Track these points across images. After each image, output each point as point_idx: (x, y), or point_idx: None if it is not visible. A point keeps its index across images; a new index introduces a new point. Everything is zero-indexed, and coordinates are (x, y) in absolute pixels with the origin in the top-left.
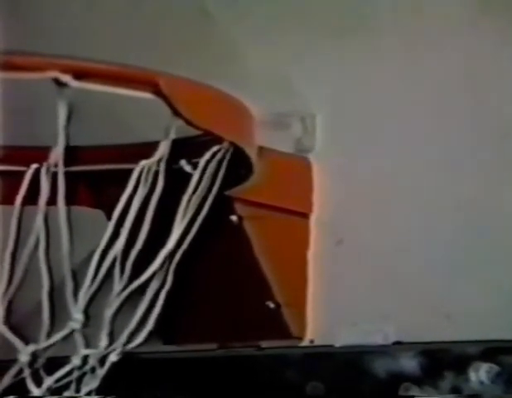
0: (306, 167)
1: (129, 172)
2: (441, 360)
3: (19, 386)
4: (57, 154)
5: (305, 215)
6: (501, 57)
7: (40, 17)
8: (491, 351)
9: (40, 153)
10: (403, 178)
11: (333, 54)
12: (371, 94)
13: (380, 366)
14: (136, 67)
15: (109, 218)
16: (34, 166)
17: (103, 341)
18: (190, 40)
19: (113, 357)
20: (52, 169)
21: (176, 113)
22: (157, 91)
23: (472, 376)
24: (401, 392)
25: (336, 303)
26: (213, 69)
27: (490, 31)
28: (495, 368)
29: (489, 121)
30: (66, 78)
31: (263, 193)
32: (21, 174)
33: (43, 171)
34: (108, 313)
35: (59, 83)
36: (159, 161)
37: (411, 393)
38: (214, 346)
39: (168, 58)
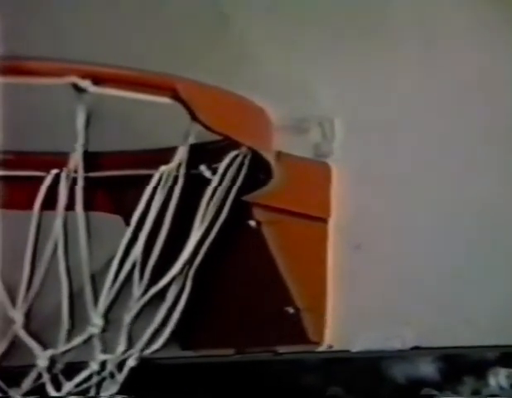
0: (325, 172)
1: (148, 177)
2: (460, 365)
3: (39, 392)
4: (76, 160)
5: (323, 220)
6: None
7: (58, 21)
8: (511, 356)
9: (59, 159)
10: (422, 182)
11: (352, 58)
12: (390, 98)
13: (399, 371)
14: (154, 72)
15: (128, 223)
16: (54, 171)
17: (122, 346)
18: (208, 43)
19: (131, 362)
20: (72, 175)
21: (195, 118)
22: (176, 96)
23: (492, 380)
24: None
25: (355, 308)
26: (231, 73)
27: (504, 33)
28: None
29: (505, 123)
30: (85, 83)
31: (281, 198)
32: (41, 179)
33: (62, 176)
34: (128, 318)
35: (77, 88)
36: (178, 166)
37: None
38: (231, 351)
39: (186, 61)
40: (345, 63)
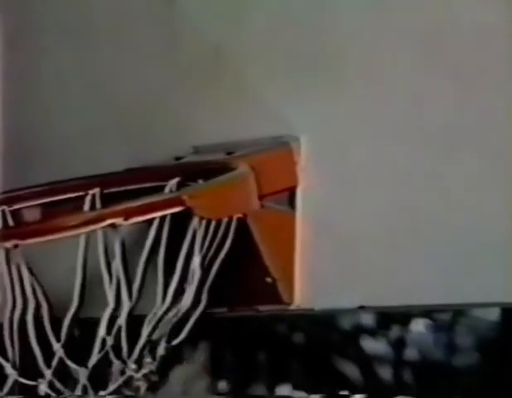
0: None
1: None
2: (391, 318)
3: None
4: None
5: (292, 213)
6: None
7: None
8: (428, 310)
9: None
10: (374, 188)
11: (317, 91)
12: (347, 121)
13: (347, 322)
14: (167, 196)
15: None
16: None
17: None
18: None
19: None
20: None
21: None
22: (186, 208)
23: (412, 327)
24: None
25: (316, 277)
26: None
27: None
28: (431, 322)
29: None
30: (119, 221)
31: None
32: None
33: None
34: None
35: (113, 226)
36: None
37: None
38: (225, 309)
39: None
40: (312, 95)
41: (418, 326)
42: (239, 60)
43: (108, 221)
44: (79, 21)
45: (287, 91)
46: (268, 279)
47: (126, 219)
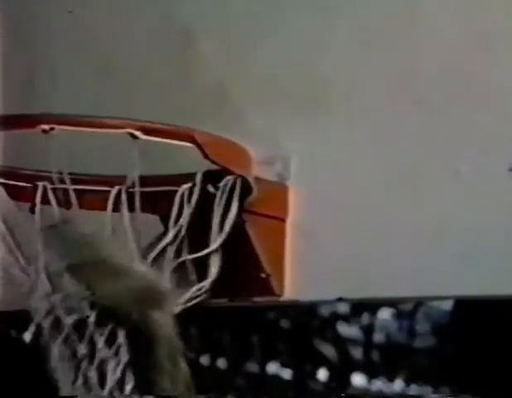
0: (285, 189)
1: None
2: (362, 307)
3: None
4: (133, 179)
5: (283, 220)
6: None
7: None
8: (394, 301)
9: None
10: (349, 200)
11: (305, 120)
12: (329, 144)
13: (326, 310)
14: (180, 126)
15: (164, 222)
16: (117, 187)
17: None
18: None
19: None
20: (130, 190)
21: (206, 156)
22: (194, 141)
23: (380, 315)
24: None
25: (303, 275)
26: (227, 128)
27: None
28: (395, 311)
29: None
30: (138, 133)
31: (258, 206)
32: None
33: (123, 190)
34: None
35: (133, 136)
36: (193, 185)
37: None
38: (225, 300)
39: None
40: (302, 122)
41: (385, 314)
42: (239, 93)
43: (130, 130)
44: (106, 56)
45: (280, 119)
46: (262, 275)
47: (146, 134)
